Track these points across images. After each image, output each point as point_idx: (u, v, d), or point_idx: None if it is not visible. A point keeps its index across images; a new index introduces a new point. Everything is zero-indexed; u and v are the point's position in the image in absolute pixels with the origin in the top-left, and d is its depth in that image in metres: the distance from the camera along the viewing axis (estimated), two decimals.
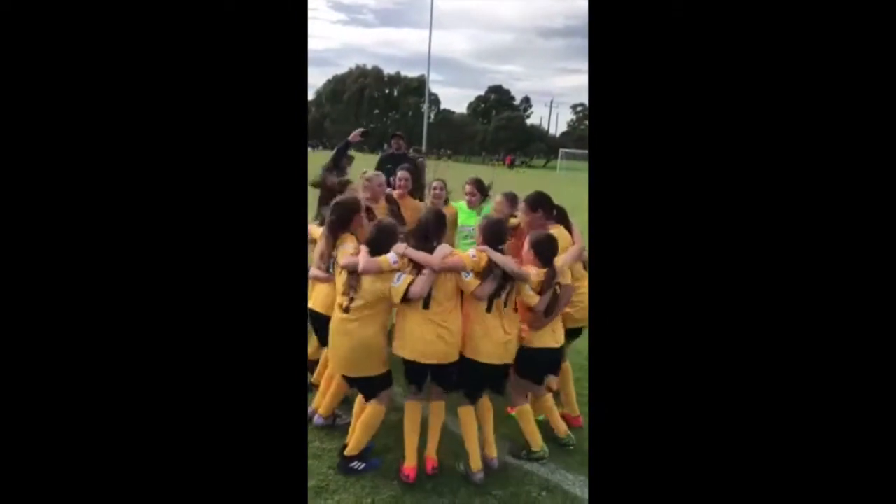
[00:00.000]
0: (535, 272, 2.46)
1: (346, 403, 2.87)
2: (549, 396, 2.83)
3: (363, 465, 2.48)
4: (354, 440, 2.47)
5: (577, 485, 2.47)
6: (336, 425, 2.81)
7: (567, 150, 41.04)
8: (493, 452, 2.54)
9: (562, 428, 2.77)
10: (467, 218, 3.50)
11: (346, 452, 2.46)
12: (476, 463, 2.44)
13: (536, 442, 2.64)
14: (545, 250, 2.51)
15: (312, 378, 3.13)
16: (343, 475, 2.42)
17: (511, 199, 3.19)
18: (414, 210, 3.68)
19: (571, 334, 2.86)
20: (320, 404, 2.84)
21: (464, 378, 2.48)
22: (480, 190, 3.57)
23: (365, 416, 2.47)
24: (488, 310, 2.41)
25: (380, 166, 4.76)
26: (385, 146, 5.82)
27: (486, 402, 2.56)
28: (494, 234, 2.48)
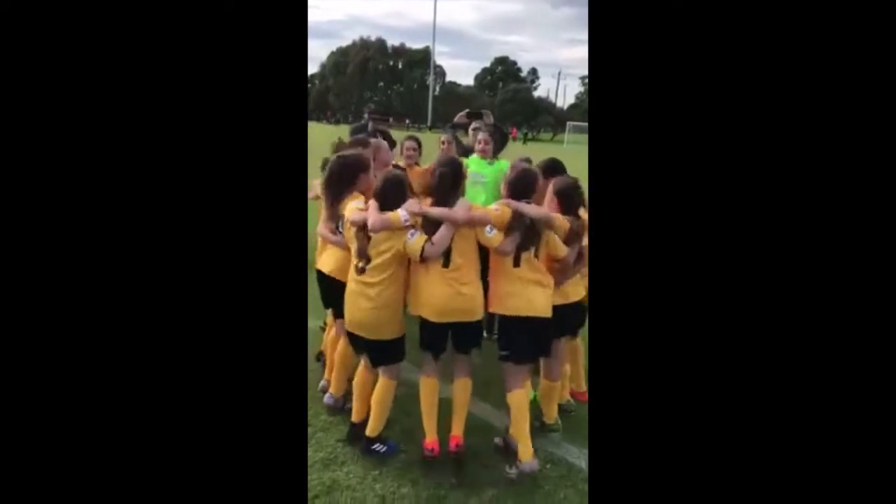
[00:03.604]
0: (560, 218, 2.31)
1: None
2: (559, 386, 2.77)
3: (385, 448, 2.42)
4: (373, 421, 2.39)
5: (582, 457, 2.50)
6: (345, 409, 2.71)
7: (575, 123, 40.45)
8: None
9: (564, 394, 2.77)
10: (480, 167, 3.42)
11: (368, 433, 2.39)
12: (527, 452, 2.25)
13: (551, 415, 2.63)
14: (571, 197, 2.38)
15: (322, 346, 3.11)
16: (366, 456, 2.39)
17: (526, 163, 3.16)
18: (422, 179, 3.63)
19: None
20: (331, 378, 2.79)
21: (506, 340, 2.33)
22: (495, 139, 3.42)
23: (377, 395, 2.39)
24: (516, 264, 2.27)
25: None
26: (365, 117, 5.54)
27: (527, 388, 2.41)
28: (523, 187, 2.33)
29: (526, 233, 2.25)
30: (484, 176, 3.39)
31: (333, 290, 2.57)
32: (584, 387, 3.03)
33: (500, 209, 2.27)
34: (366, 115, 7.03)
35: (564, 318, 2.49)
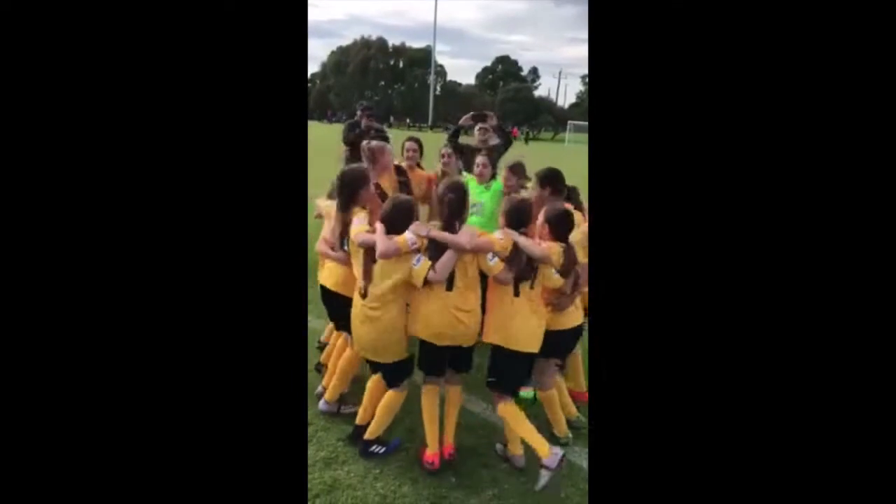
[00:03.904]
0: (556, 251, 2.34)
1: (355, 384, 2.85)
2: (561, 379, 2.78)
3: (383, 449, 2.44)
4: (374, 425, 2.42)
5: (583, 456, 2.51)
6: (340, 413, 2.72)
7: (575, 122, 40.38)
8: (519, 450, 2.46)
9: (571, 410, 2.75)
10: (477, 194, 3.38)
11: (367, 436, 2.43)
12: (544, 450, 2.26)
13: (561, 428, 2.62)
14: (561, 225, 2.39)
15: (321, 357, 3.12)
16: (364, 459, 2.40)
17: (517, 170, 3.12)
18: (422, 181, 3.63)
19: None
20: (328, 385, 2.78)
21: (497, 370, 2.38)
22: (492, 160, 3.46)
23: (385, 403, 2.42)
24: (516, 294, 2.30)
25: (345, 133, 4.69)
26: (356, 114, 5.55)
27: (511, 405, 2.41)
28: (518, 216, 2.35)
29: (524, 265, 2.28)
30: (481, 203, 3.31)
31: (337, 305, 2.60)
32: (583, 387, 3.03)
33: (503, 238, 2.29)
34: (358, 112, 6.93)
35: (556, 344, 2.49)
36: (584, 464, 2.45)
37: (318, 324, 3.56)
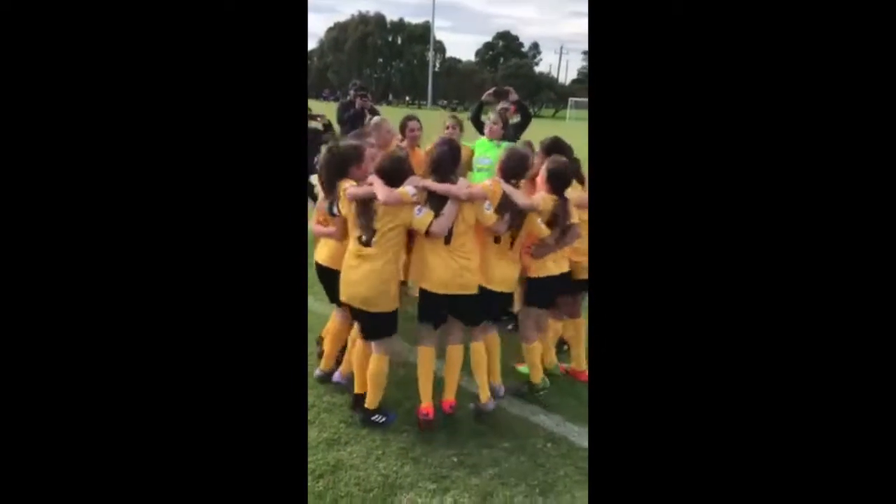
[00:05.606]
0: (547, 200, 2.45)
1: None
2: (538, 346, 2.82)
3: (384, 419, 2.53)
4: (370, 394, 2.51)
5: (583, 436, 2.53)
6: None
7: (577, 98, 39.95)
8: (498, 380, 2.73)
9: (537, 375, 2.81)
10: (487, 150, 3.49)
11: (367, 405, 2.51)
12: (486, 394, 2.59)
13: (536, 376, 2.77)
14: (559, 178, 2.53)
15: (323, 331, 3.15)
16: (366, 428, 2.49)
17: (528, 146, 3.18)
18: (422, 161, 3.62)
19: (585, 285, 2.85)
20: (329, 365, 2.86)
21: (475, 306, 2.54)
22: (504, 121, 3.60)
23: (372, 370, 2.49)
24: (496, 241, 2.46)
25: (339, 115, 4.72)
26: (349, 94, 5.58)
27: (494, 336, 2.68)
28: (513, 166, 2.49)
29: (514, 214, 2.41)
30: (490, 159, 3.41)
31: (330, 280, 2.63)
32: (584, 366, 3.04)
33: (492, 184, 2.43)
34: (351, 93, 6.80)
35: (535, 292, 2.68)
36: (584, 443, 2.47)
37: (318, 306, 3.56)
